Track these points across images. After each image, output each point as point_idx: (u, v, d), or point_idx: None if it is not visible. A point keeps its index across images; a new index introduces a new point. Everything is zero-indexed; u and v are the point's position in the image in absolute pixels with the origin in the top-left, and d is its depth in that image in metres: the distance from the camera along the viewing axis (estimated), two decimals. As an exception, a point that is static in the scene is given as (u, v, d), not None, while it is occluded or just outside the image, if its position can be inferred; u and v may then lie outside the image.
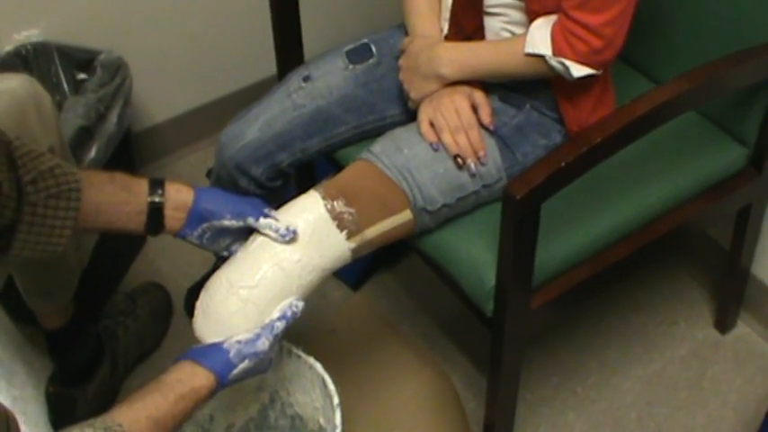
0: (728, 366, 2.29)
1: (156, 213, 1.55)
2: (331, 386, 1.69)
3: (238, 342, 1.50)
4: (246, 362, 1.50)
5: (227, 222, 1.58)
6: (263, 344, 1.51)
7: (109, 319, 2.24)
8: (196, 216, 1.57)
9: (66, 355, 2.11)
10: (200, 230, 1.59)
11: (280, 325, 1.54)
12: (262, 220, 1.58)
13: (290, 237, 1.58)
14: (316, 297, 1.69)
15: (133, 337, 2.25)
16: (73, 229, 1.49)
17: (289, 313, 1.55)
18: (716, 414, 2.21)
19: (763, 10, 1.84)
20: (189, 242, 1.61)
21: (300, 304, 1.57)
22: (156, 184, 1.56)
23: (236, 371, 1.49)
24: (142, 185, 1.56)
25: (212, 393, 1.47)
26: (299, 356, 1.74)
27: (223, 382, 1.48)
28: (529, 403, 2.21)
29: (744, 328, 2.36)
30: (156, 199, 1.55)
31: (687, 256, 2.49)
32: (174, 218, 1.57)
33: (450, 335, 2.35)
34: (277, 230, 1.58)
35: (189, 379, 1.44)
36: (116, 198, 1.54)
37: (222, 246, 1.64)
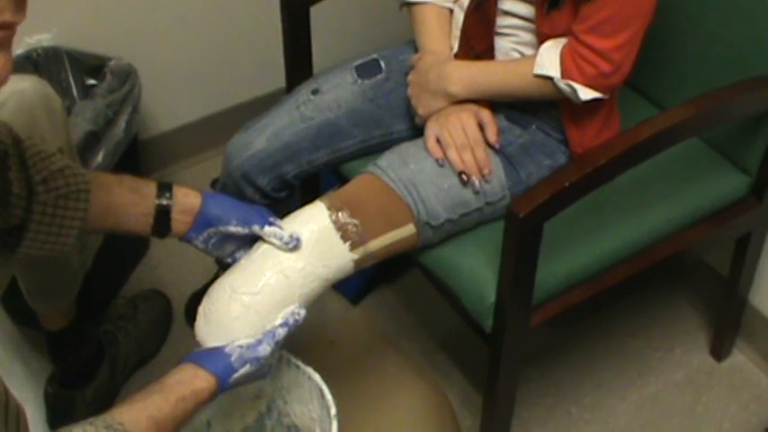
0: (723, 394, 2.30)
1: (163, 216, 1.57)
2: (329, 397, 1.68)
3: (240, 347, 1.51)
4: (248, 366, 1.50)
5: (232, 228, 1.59)
6: (265, 349, 1.52)
7: (110, 323, 2.26)
8: (203, 220, 1.58)
9: (66, 357, 2.12)
10: (205, 235, 1.60)
11: (281, 332, 1.55)
12: (267, 227, 1.59)
13: (294, 245, 1.59)
14: (316, 309, 1.69)
15: (133, 342, 2.26)
16: (80, 230, 1.51)
17: (291, 320, 1.56)
18: (709, 441, 2.22)
19: (770, 40, 1.87)
20: (194, 246, 1.62)
21: (302, 312, 1.58)
22: (164, 188, 1.58)
23: (236, 375, 1.49)
24: (150, 188, 1.57)
25: (213, 396, 1.47)
26: (298, 366, 1.74)
27: (224, 386, 1.48)
28: (523, 422, 2.21)
29: (739, 357, 2.37)
30: (164, 202, 1.56)
31: (685, 283, 2.51)
32: (180, 221, 1.58)
33: (448, 352, 2.36)
34: (281, 238, 1.59)
35: (190, 381, 1.45)
36: (124, 200, 1.55)
37: (226, 252, 1.65)
